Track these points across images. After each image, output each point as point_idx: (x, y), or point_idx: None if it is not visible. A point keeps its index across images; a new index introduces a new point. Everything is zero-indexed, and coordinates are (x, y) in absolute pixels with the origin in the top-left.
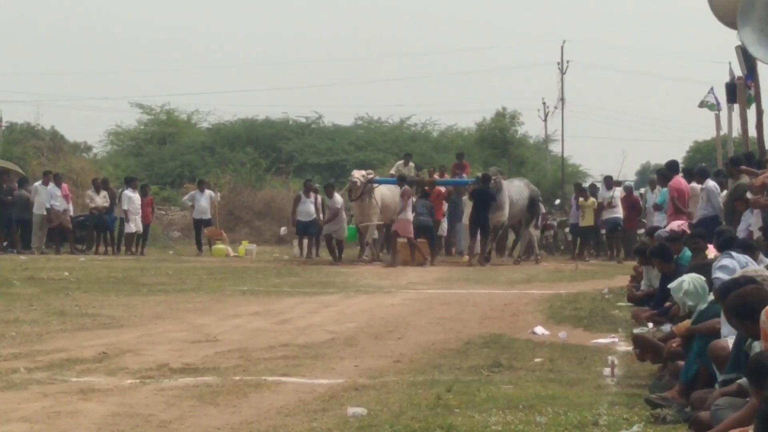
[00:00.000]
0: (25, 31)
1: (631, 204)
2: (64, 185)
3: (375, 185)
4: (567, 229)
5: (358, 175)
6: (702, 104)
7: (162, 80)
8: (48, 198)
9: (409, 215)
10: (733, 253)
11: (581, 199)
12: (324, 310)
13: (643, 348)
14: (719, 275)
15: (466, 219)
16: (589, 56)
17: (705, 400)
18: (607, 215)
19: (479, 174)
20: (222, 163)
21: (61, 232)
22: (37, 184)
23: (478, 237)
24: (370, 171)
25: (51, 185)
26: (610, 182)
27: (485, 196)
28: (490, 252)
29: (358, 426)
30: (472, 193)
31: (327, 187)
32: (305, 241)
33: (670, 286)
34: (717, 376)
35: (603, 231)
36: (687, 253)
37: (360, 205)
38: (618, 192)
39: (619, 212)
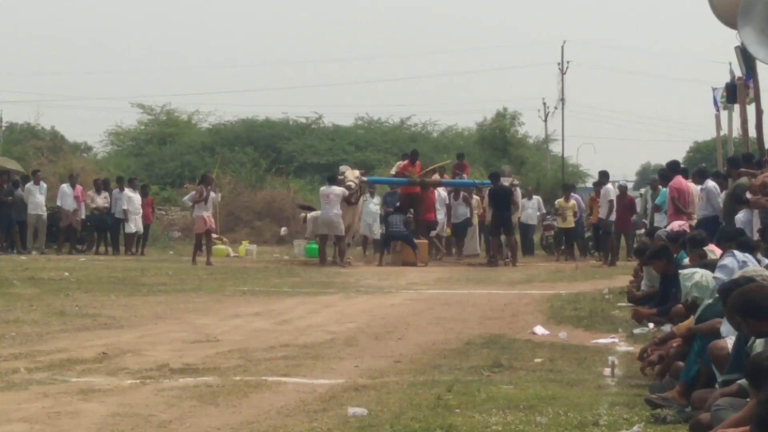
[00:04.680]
0: (25, 31)
1: (626, 204)
2: (79, 186)
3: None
4: None
5: (352, 177)
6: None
7: (162, 80)
8: (60, 196)
9: (203, 213)
10: (735, 252)
11: (561, 200)
12: (324, 310)
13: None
14: (719, 275)
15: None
16: (589, 56)
17: (705, 401)
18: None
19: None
20: (222, 163)
21: (68, 231)
22: (29, 184)
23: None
24: (362, 171)
25: (41, 185)
26: (601, 179)
27: (501, 195)
28: (514, 253)
29: (358, 426)
30: (490, 194)
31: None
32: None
33: (682, 272)
34: (717, 376)
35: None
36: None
37: (354, 209)
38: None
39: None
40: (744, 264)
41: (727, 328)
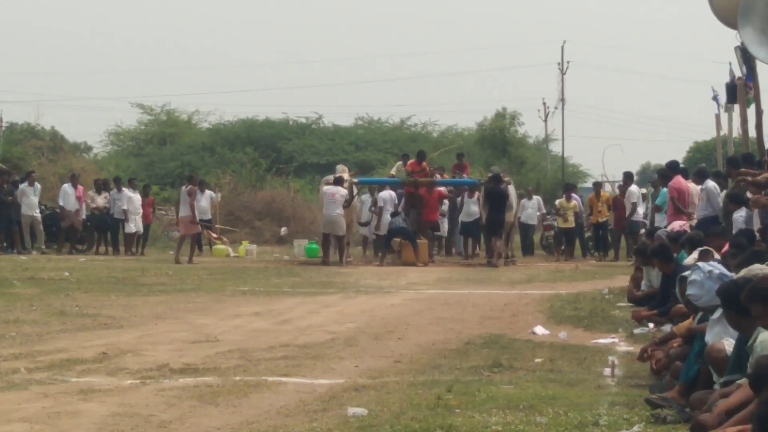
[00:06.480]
0: (25, 31)
1: (622, 204)
2: (80, 186)
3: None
4: None
5: (346, 177)
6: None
7: (162, 80)
8: (63, 196)
9: (188, 212)
10: (699, 264)
11: (562, 200)
12: (324, 310)
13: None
14: (692, 291)
15: (465, 217)
16: (589, 56)
17: (705, 401)
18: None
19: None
20: (222, 163)
21: (68, 231)
22: (23, 185)
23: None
24: (353, 172)
25: (35, 186)
26: (625, 180)
27: (498, 196)
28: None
29: (358, 426)
30: (486, 195)
31: None
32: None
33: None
34: (715, 378)
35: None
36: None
37: (350, 209)
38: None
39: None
40: (710, 274)
41: (711, 335)
